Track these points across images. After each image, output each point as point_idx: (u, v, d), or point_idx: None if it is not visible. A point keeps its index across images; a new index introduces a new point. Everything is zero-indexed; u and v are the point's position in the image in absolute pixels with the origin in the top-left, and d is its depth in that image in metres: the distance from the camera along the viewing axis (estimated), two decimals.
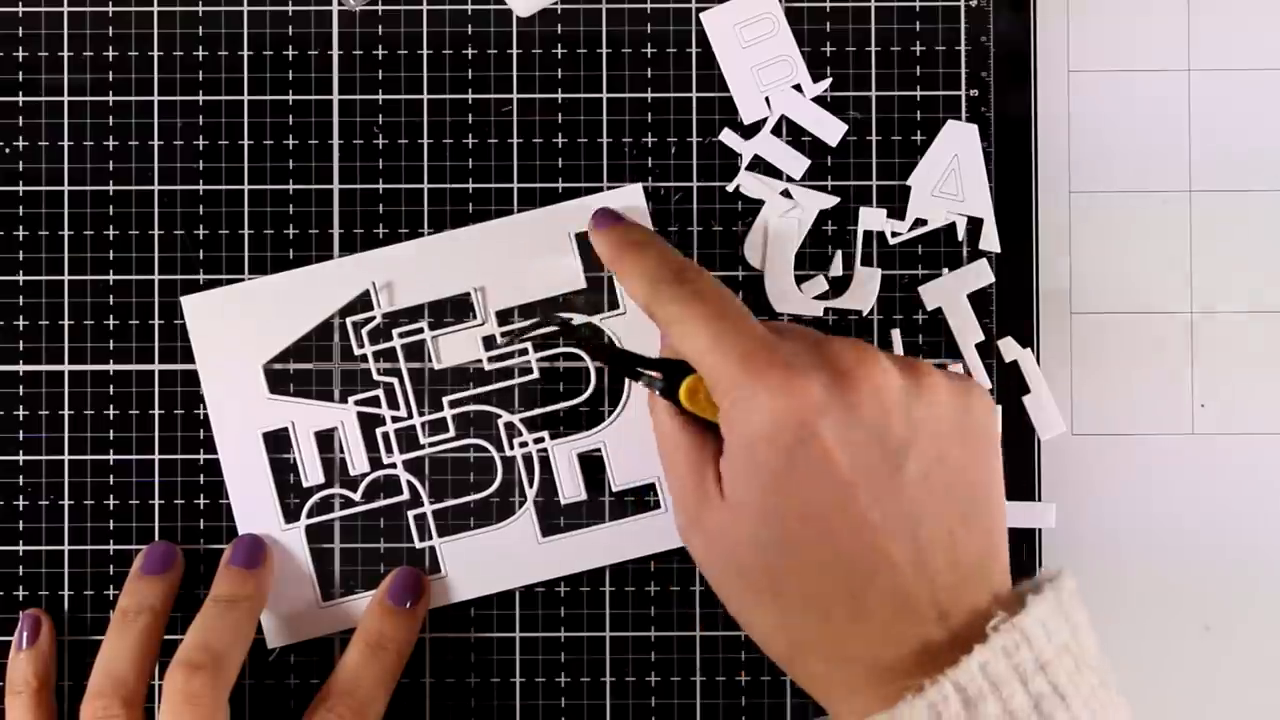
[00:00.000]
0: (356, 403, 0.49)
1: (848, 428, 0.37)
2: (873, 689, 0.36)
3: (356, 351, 0.49)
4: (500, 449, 0.49)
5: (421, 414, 0.49)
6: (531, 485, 0.49)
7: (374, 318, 0.49)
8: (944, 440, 0.38)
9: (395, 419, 0.49)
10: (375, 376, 0.49)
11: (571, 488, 0.49)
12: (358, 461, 0.49)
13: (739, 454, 0.38)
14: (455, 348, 0.49)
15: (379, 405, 0.49)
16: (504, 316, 0.49)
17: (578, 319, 0.48)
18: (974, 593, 0.37)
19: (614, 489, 0.49)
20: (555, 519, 0.49)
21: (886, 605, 0.36)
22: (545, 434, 0.49)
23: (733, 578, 0.39)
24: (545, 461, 0.49)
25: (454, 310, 0.49)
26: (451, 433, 0.49)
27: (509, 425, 0.49)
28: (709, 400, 0.40)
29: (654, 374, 0.42)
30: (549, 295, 0.49)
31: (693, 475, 0.40)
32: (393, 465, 0.49)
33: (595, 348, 0.47)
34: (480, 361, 0.49)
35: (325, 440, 0.49)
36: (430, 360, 0.49)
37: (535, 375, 0.49)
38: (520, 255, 0.49)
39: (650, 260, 0.43)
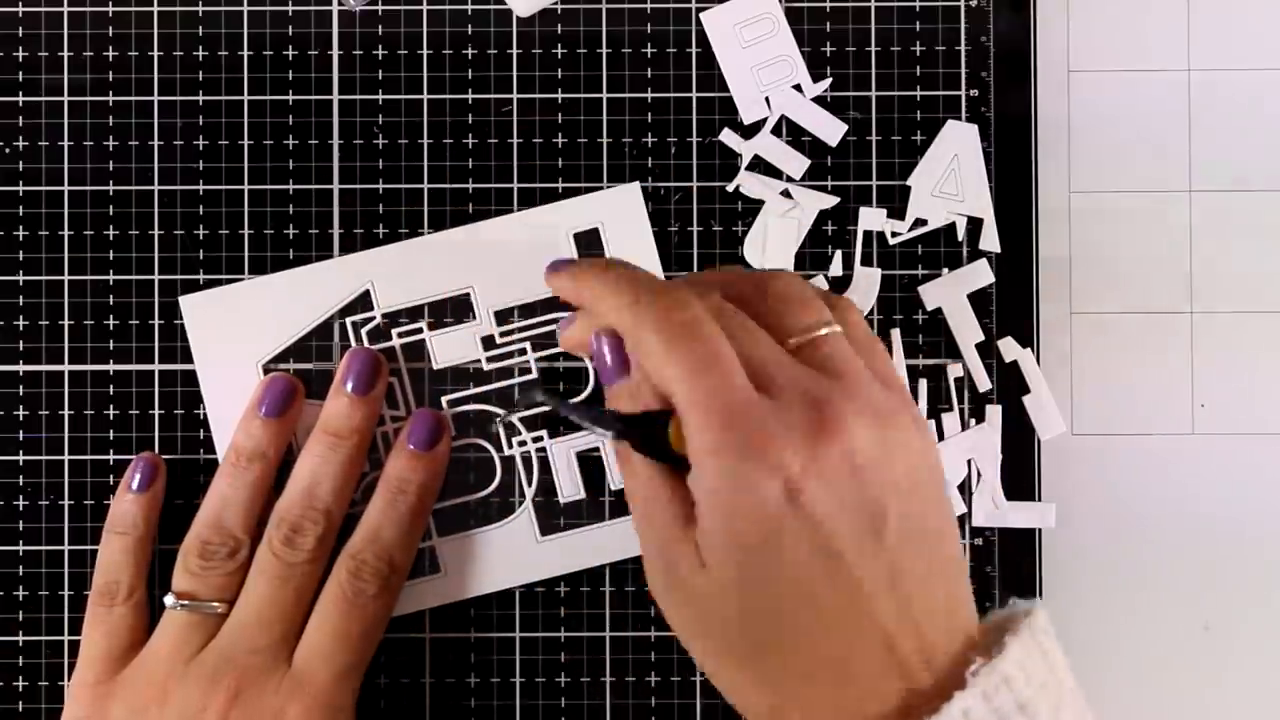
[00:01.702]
0: None
1: (828, 494, 0.36)
2: None
3: None
4: (499, 449, 0.49)
5: None
6: (530, 485, 0.49)
7: (373, 318, 0.49)
8: (910, 495, 0.37)
9: (394, 418, 0.49)
10: None
11: (570, 487, 0.49)
12: None
13: (719, 524, 0.36)
14: (454, 347, 0.49)
15: None
16: (503, 316, 0.49)
17: (527, 390, 0.46)
18: (950, 638, 0.36)
19: (613, 488, 0.49)
20: (554, 518, 0.49)
21: (872, 664, 0.36)
22: (544, 434, 0.49)
23: (713, 642, 0.38)
24: (544, 461, 0.49)
25: (452, 310, 0.49)
26: (450, 432, 0.49)
27: (508, 425, 0.49)
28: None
29: (622, 426, 0.39)
30: (548, 295, 0.49)
31: (672, 536, 0.38)
32: None
33: (555, 405, 0.43)
34: (479, 361, 0.49)
35: None
36: (429, 360, 0.49)
37: (534, 375, 0.49)
38: (519, 255, 0.49)
39: (623, 278, 0.39)
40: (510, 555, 0.49)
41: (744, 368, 0.37)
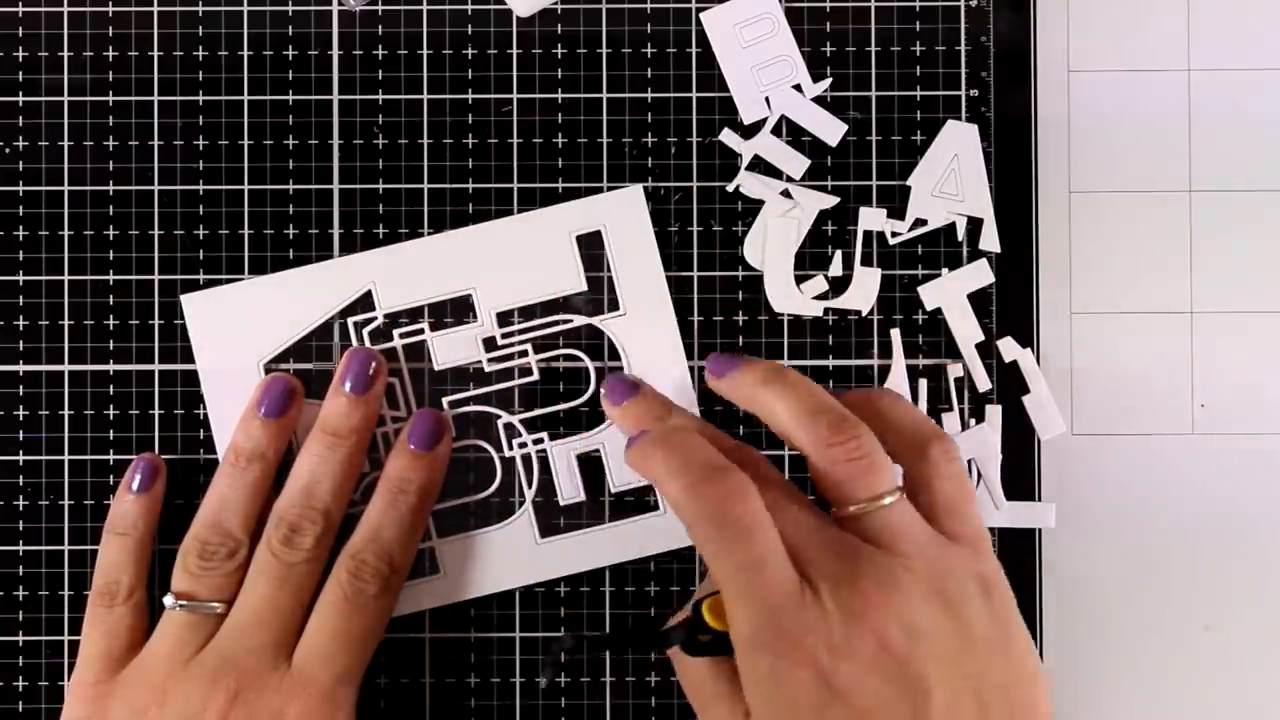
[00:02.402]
0: None
1: (867, 678, 0.36)
2: None
3: None
4: (500, 449, 0.49)
5: None
6: (530, 486, 0.49)
7: (375, 318, 0.49)
8: (971, 654, 0.37)
9: (395, 419, 0.49)
10: None
11: (570, 489, 0.49)
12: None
13: (764, 712, 0.37)
14: (455, 348, 0.49)
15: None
16: (504, 318, 0.49)
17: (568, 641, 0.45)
18: None
19: (613, 490, 0.49)
20: (554, 519, 0.49)
21: None
22: (545, 435, 0.49)
23: None
24: (544, 462, 0.49)
25: (453, 311, 0.49)
26: (451, 433, 0.49)
27: (508, 426, 0.49)
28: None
29: (675, 631, 0.40)
30: (549, 297, 0.49)
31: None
32: None
33: (600, 642, 0.46)
34: (480, 362, 0.49)
35: None
36: (430, 360, 0.49)
37: (535, 376, 0.49)
38: (520, 256, 0.49)
39: (683, 459, 0.40)
40: (510, 556, 0.49)
41: (787, 546, 0.38)
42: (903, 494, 0.40)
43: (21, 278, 0.49)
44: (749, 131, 0.49)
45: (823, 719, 0.36)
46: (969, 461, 0.49)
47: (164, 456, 0.49)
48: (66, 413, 0.49)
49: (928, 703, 0.37)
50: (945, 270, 0.49)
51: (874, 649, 0.37)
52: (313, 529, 0.45)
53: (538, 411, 0.49)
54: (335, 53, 0.49)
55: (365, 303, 0.49)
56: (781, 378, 0.42)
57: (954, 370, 0.49)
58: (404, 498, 0.46)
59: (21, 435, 0.49)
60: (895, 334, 0.49)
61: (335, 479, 0.46)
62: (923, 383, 0.49)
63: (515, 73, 0.50)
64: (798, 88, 0.49)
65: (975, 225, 0.49)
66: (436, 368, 0.49)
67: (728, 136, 0.49)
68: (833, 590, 0.37)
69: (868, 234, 0.49)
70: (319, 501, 0.46)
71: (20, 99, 0.49)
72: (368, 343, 0.49)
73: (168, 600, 0.45)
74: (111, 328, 0.49)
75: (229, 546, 0.45)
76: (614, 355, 0.49)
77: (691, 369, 0.49)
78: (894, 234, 0.49)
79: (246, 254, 0.49)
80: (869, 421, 0.41)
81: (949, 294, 0.49)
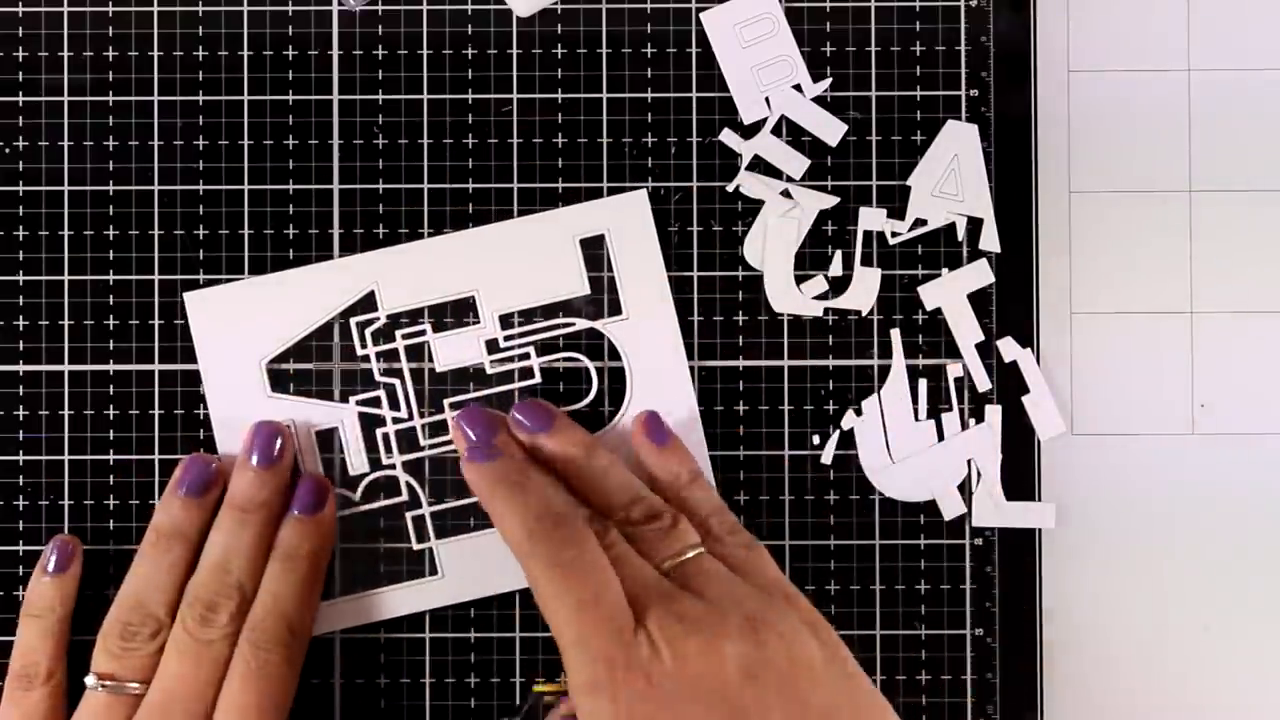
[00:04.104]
0: (357, 403, 0.49)
1: (703, 717, 0.38)
2: None
3: (360, 352, 0.49)
4: None
5: (422, 415, 0.49)
6: None
7: (377, 318, 0.49)
8: (794, 689, 0.39)
9: (396, 420, 0.49)
10: (377, 377, 0.49)
11: None
12: (357, 462, 0.49)
13: None
14: (456, 349, 0.49)
15: (380, 406, 0.49)
16: (506, 320, 0.49)
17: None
18: None
19: None
20: None
21: None
22: None
23: None
24: None
25: (455, 312, 0.49)
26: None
27: None
28: None
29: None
30: (551, 300, 0.49)
31: None
32: (392, 466, 0.49)
33: None
34: (482, 364, 0.49)
35: (325, 440, 0.49)
36: (432, 361, 0.49)
37: (537, 378, 0.49)
38: (522, 259, 0.49)
39: (523, 505, 0.43)
40: (510, 557, 0.49)
41: (625, 592, 0.40)
42: (705, 550, 0.43)
43: (21, 278, 0.49)
44: (749, 131, 0.49)
45: None
46: (968, 461, 0.49)
47: (164, 456, 0.49)
48: (66, 413, 0.49)
49: None
50: (945, 270, 0.49)
51: (707, 685, 0.38)
52: (227, 605, 0.45)
53: None
54: (335, 53, 0.49)
55: (368, 303, 0.49)
56: (597, 450, 0.45)
57: (954, 370, 0.49)
58: (297, 563, 0.46)
59: (21, 435, 0.49)
60: (895, 334, 0.49)
61: (247, 554, 0.46)
62: (923, 383, 0.49)
63: (515, 73, 0.49)
64: (798, 88, 0.49)
65: (975, 225, 0.49)
66: (438, 369, 0.49)
67: (728, 136, 0.49)
68: (662, 629, 0.39)
69: (868, 234, 0.49)
70: (232, 577, 0.45)
71: (20, 99, 0.49)
72: (370, 343, 0.49)
73: (89, 680, 0.45)
74: (111, 328, 0.49)
75: (150, 627, 0.45)
76: (615, 358, 0.49)
77: (692, 369, 0.49)
78: (894, 234, 0.49)
79: (246, 254, 0.49)
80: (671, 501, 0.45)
81: (949, 294, 0.49)
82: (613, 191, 0.49)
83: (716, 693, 0.38)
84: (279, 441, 0.47)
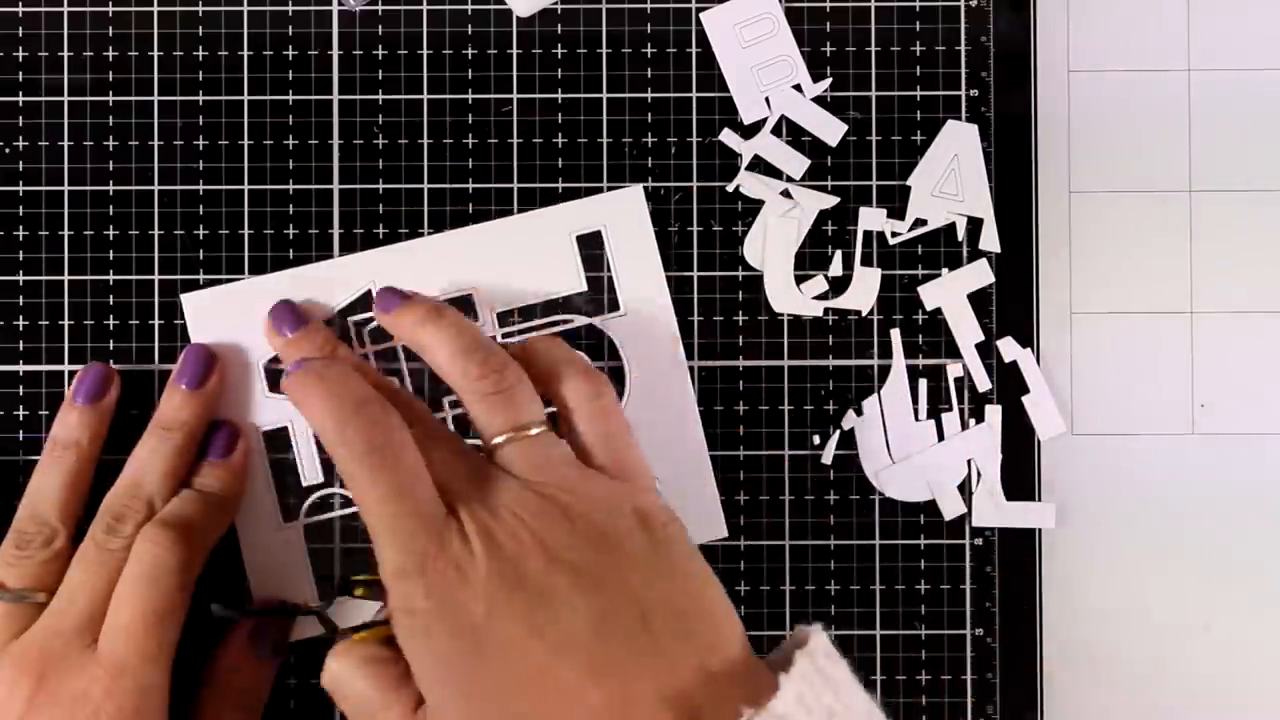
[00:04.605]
0: None
1: (513, 608, 0.37)
2: None
3: (357, 351, 0.49)
4: None
5: None
6: None
7: (375, 317, 0.49)
8: (631, 582, 0.38)
9: None
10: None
11: None
12: None
13: (412, 645, 0.38)
14: None
15: None
16: (504, 318, 0.49)
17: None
18: (707, 689, 0.36)
19: None
20: None
21: None
22: None
23: None
24: None
25: None
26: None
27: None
28: None
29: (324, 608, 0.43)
30: (549, 297, 0.49)
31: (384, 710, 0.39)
32: None
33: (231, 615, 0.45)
34: None
35: None
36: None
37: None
38: (520, 256, 0.49)
39: (337, 393, 0.41)
40: None
41: (435, 482, 0.39)
42: (547, 428, 0.42)
43: (21, 278, 0.49)
44: (749, 131, 0.49)
45: (477, 646, 0.37)
46: (968, 461, 0.49)
47: None
48: None
49: (573, 621, 0.37)
50: (945, 270, 0.49)
51: (515, 575, 0.38)
52: (134, 517, 0.45)
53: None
54: (335, 53, 0.49)
55: (366, 302, 0.49)
56: (439, 317, 0.44)
57: (954, 370, 0.49)
58: (206, 496, 0.46)
59: (21, 435, 0.49)
60: (895, 334, 0.49)
61: (161, 470, 0.46)
62: (923, 383, 0.49)
63: (515, 73, 0.50)
64: (798, 88, 0.49)
65: (975, 225, 0.49)
66: None
67: (728, 136, 0.49)
68: (472, 517, 0.39)
69: (868, 234, 0.49)
70: (144, 491, 0.45)
71: (20, 99, 0.49)
72: (368, 341, 0.49)
73: None
74: (111, 328, 0.49)
75: (44, 534, 0.45)
76: (614, 356, 0.49)
77: (692, 369, 0.49)
78: (894, 234, 0.49)
79: (246, 254, 0.49)
80: (525, 364, 0.43)
81: (949, 294, 0.49)
82: (613, 191, 0.49)
83: (526, 580, 0.37)
84: (210, 368, 0.47)
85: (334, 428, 0.40)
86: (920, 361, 0.49)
